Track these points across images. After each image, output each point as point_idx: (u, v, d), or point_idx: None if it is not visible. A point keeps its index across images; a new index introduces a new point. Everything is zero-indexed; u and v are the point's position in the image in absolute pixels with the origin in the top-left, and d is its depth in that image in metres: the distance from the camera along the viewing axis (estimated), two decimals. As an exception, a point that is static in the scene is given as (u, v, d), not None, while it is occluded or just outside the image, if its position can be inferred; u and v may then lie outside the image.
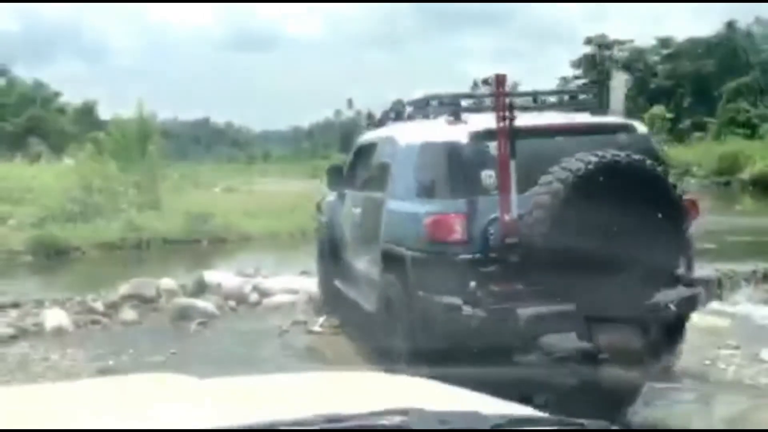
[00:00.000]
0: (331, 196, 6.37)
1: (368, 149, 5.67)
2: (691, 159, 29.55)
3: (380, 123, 6.19)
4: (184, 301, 6.68)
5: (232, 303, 6.93)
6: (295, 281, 7.37)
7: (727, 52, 47.33)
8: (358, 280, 5.40)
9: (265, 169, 62.82)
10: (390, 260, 4.45)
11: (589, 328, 3.86)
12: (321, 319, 6.13)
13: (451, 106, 4.65)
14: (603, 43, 57.48)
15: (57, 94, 44.28)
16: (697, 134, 39.11)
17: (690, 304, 4.19)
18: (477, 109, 4.55)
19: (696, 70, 48.02)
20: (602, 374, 3.93)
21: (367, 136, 6.04)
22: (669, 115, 31.10)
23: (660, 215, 3.80)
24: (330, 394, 1.46)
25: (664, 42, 53.29)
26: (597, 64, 56.52)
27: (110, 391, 1.49)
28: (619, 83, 5.19)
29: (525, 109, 4.59)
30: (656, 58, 55.95)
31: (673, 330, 4.32)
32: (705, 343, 5.23)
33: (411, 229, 4.24)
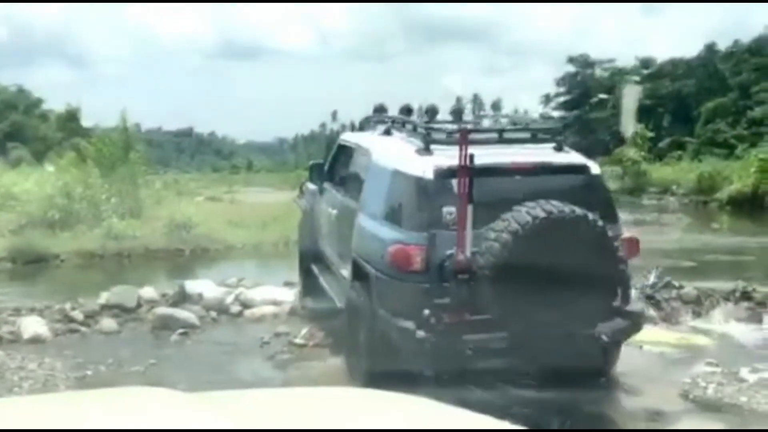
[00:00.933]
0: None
1: (348, 152, 6.04)
2: (671, 177, 29.86)
3: (361, 127, 6.50)
4: (164, 310, 6.59)
5: (213, 313, 6.84)
6: (277, 292, 7.30)
7: (706, 73, 48.07)
8: (332, 272, 5.87)
9: (249, 179, 62.58)
10: (358, 271, 4.84)
11: (528, 355, 4.36)
12: (303, 331, 6.07)
13: (420, 135, 4.87)
14: (585, 62, 58.18)
15: (40, 101, 43.86)
16: (677, 153, 39.58)
17: (623, 333, 4.64)
18: (446, 141, 4.68)
19: (676, 91, 48.67)
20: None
21: (349, 138, 6.39)
22: (649, 134, 31.47)
23: (596, 262, 4.22)
24: (313, 409, 1.42)
25: (645, 62, 54.04)
26: (579, 83, 57.17)
27: (89, 404, 1.44)
28: (631, 95, 5.29)
29: (490, 141, 4.89)
30: (637, 78, 56.66)
31: (608, 355, 4.86)
32: (685, 362, 5.25)
33: (376, 251, 4.58)
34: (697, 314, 6.53)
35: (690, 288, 6.88)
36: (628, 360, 5.43)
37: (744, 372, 4.92)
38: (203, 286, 7.29)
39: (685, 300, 6.70)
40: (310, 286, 6.57)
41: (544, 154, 4.90)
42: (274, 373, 5.25)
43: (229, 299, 7.06)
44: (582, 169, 4.86)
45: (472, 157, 4.20)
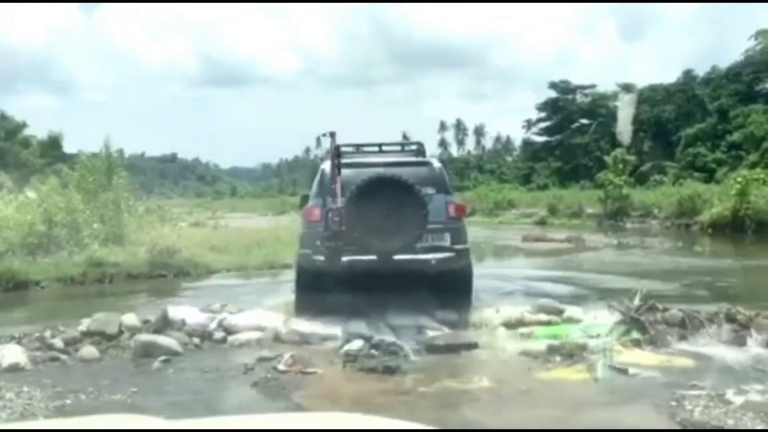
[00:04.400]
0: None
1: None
2: (653, 201, 30.14)
3: (323, 159, 9.25)
4: (146, 337, 6.49)
5: (196, 340, 6.76)
6: (261, 317, 7.24)
7: (685, 98, 48.72)
8: None
9: (233, 205, 62.57)
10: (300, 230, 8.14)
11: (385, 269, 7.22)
12: (287, 356, 6.01)
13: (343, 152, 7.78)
14: (566, 88, 58.78)
15: (22, 126, 43.53)
16: (658, 177, 39.97)
17: (450, 262, 7.46)
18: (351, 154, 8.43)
19: (656, 116, 49.24)
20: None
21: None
22: (629, 158, 31.76)
23: (410, 208, 7.16)
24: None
25: (626, 87, 54.69)
26: (560, 108, 57.71)
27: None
28: (625, 105, 5.45)
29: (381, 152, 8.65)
30: (617, 103, 57.31)
31: (442, 275, 7.52)
32: (670, 383, 5.24)
33: (302, 214, 8.08)
34: (682, 337, 6.54)
35: (675, 310, 6.89)
36: (613, 382, 5.43)
37: (730, 394, 4.91)
38: (186, 312, 7.21)
39: (670, 322, 6.71)
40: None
41: (405, 156, 8.44)
42: (258, 399, 5.17)
43: (213, 325, 6.99)
44: (427, 164, 8.09)
45: (339, 155, 7.44)
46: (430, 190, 7.54)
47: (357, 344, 6.35)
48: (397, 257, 7.17)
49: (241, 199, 78.16)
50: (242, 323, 7.03)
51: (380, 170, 7.41)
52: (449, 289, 7.57)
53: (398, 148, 9.23)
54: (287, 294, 8.76)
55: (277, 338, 6.80)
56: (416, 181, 7.31)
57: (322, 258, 7.24)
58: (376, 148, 8.78)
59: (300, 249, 7.77)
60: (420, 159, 8.34)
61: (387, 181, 7.19)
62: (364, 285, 7.26)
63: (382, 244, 7.14)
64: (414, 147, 9.00)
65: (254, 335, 6.85)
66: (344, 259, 7.16)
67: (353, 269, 7.20)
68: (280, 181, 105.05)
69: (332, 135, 7.54)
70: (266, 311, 7.60)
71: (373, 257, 7.13)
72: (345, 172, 7.36)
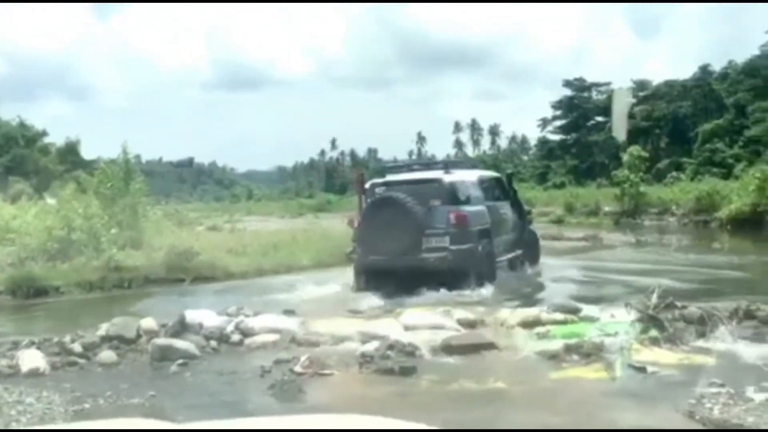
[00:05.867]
0: None
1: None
2: (670, 198, 29.85)
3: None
4: (164, 341, 6.52)
5: (213, 343, 6.78)
6: (278, 320, 7.25)
7: (702, 94, 48.28)
8: None
9: (249, 208, 62.83)
10: None
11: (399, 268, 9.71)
12: (303, 358, 6.01)
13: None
14: (581, 86, 58.46)
15: (41, 134, 44.00)
16: (675, 174, 39.62)
17: (446, 260, 9.69)
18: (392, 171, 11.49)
19: (672, 112, 48.87)
20: None
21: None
22: (645, 155, 31.46)
23: (406, 219, 9.67)
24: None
25: (641, 84, 54.31)
26: (576, 106, 57.40)
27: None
28: (619, 99, 5.40)
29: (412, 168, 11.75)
30: (633, 99, 56.93)
31: (441, 270, 9.67)
32: (689, 382, 5.18)
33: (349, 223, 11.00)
34: (700, 334, 6.46)
35: (693, 308, 6.81)
36: (632, 381, 5.38)
37: (750, 391, 4.84)
38: (203, 315, 7.24)
39: (689, 320, 6.63)
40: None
41: (429, 173, 10.77)
42: (275, 401, 5.18)
43: (230, 328, 7.00)
44: (440, 181, 10.25)
45: (362, 176, 11.24)
46: (436, 202, 9.93)
47: (373, 345, 6.34)
48: (405, 257, 9.67)
49: (257, 203, 78.49)
50: (259, 326, 7.04)
51: (386, 192, 10.29)
52: (449, 280, 9.60)
53: (435, 165, 11.80)
54: (309, 293, 10.08)
55: (293, 340, 6.80)
56: (426, 195, 9.93)
57: (355, 256, 10.47)
58: (406, 168, 11.88)
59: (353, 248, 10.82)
60: (432, 176, 10.46)
61: (390, 200, 9.91)
62: (383, 278, 9.86)
63: (389, 247, 9.77)
64: (440, 165, 11.41)
65: (271, 338, 6.86)
66: (370, 258, 10.03)
67: (378, 265, 9.90)
68: (296, 183, 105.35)
69: (360, 173, 11.60)
70: (283, 314, 7.62)
71: (385, 257, 9.77)
72: (377, 189, 10.53)
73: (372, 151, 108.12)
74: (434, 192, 10.00)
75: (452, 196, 10.08)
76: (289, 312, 7.74)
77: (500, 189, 12.07)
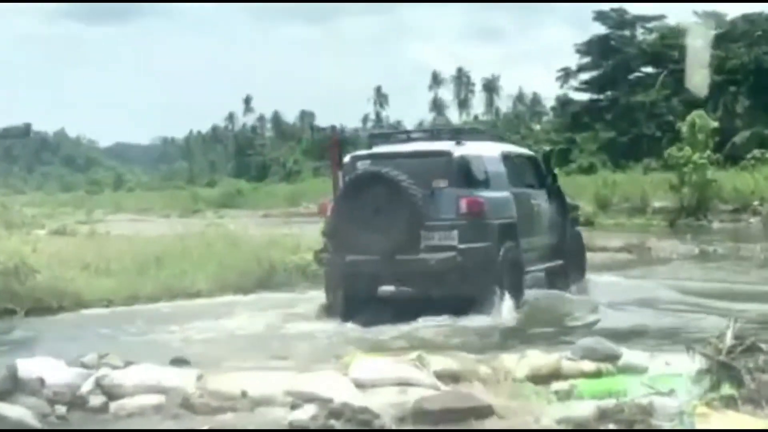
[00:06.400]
0: None
1: None
2: (751, 189, 30.40)
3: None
4: (-17, 407, 6.41)
5: (61, 409, 6.69)
6: (162, 374, 7.18)
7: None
8: None
9: (117, 202, 62.26)
10: None
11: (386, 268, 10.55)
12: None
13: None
14: (621, 20, 59.22)
15: None
16: (758, 153, 40.42)
17: (448, 261, 10.26)
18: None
19: (755, 60, 49.77)
20: None
21: None
22: (714, 124, 31.87)
23: (399, 205, 10.21)
24: None
25: (709, 19, 55.24)
26: (612, 50, 58.05)
27: None
28: (697, 36, 5.48)
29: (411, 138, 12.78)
30: (698, 42, 57.81)
31: (436, 271, 10.39)
32: None
33: None
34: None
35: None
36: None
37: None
38: (46, 366, 7.14)
39: (779, 370, 6.76)
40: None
41: (431, 144, 11.61)
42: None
43: (87, 386, 6.92)
44: (446, 153, 10.85)
45: (339, 142, 13.00)
46: (442, 183, 10.49)
47: (308, 411, 6.33)
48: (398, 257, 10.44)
49: (130, 193, 77.81)
50: (132, 382, 6.96)
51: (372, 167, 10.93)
52: (454, 292, 10.42)
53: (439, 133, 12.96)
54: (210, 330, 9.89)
55: (185, 404, 6.74)
56: (428, 174, 10.52)
57: (326, 255, 11.51)
58: (405, 136, 13.20)
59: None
60: (437, 148, 11.20)
61: (378, 176, 10.55)
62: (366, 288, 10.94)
63: (374, 243, 10.46)
64: (449, 134, 12.19)
65: (151, 400, 6.79)
66: (348, 257, 10.84)
67: (359, 265, 10.77)
68: (190, 165, 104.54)
69: (333, 130, 13.67)
70: (170, 364, 7.55)
71: (374, 256, 10.50)
72: (359, 164, 11.14)
73: (306, 116, 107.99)
74: (439, 170, 10.57)
75: (464, 176, 10.69)
76: (180, 361, 7.67)
77: (534, 173, 12.76)
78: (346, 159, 11.45)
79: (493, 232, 10.54)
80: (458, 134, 11.74)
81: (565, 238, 12.84)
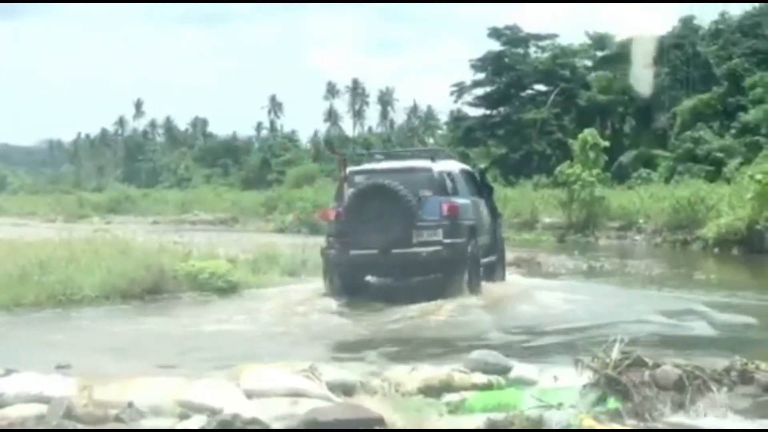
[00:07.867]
0: None
1: None
2: (637, 207, 31.07)
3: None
4: None
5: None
6: (44, 383, 7.00)
7: (683, 58, 50.45)
8: None
9: (-2, 205, 60.36)
10: None
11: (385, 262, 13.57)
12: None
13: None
14: (514, 38, 60.02)
15: None
16: (644, 172, 41.41)
17: (436, 254, 13.10)
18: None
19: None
20: None
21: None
22: (605, 143, 32.64)
23: (398, 209, 13.07)
24: None
25: (599, 40, 56.54)
26: (506, 66, 58.83)
27: None
28: (642, 45, 5.54)
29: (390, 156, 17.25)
30: (588, 62, 59.07)
31: (426, 261, 13.32)
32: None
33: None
34: (678, 405, 6.71)
35: (668, 366, 7.06)
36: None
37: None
38: None
39: (662, 384, 6.86)
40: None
41: (412, 162, 14.79)
42: None
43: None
44: (427, 169, 13.83)
45: (345, 160, 15.07)
46: (427, 192, 13.38)
47: (197, 421, 6.25)
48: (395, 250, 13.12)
49: (12, 196, 75.69)
50: (14, 391, 6.78)
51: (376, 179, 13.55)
52: (436, 278, 13.50)
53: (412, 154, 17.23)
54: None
55: (69, 414, 6.58)
56: (415, 185, 13.31)
57: (334, 252, 13.90)
58: (383, 157, 16.69)
59: (324, 244, 14.61)
60: (421, 165, 14.18)
61: (376, 187, 13.27)
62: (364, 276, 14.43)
63: (376, 239, 13.12)
64: (425, 154, 15.96)
65: (32, 410, 6.62)
66: (351, 252, 13.43)
67: (361, 260, 13.49)
68: (77, 169, 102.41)
69: (343, 157, 15.48)
70: (55, 371, 7.37)
71: (372, 250, 13.20)
72: (357, 178, 13.83)
73: (199, 122, 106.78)
74: (424, 182, 13.63)
75: (442, 186, 13.76)
76: (64, 368, 7.48)
77: (476, 185, 15.95)
78: (346, 173, 14.14)
79: (465, 231, 13.56)
80: (432, 154, 15.02)
81: (496, 239, 16.18)
